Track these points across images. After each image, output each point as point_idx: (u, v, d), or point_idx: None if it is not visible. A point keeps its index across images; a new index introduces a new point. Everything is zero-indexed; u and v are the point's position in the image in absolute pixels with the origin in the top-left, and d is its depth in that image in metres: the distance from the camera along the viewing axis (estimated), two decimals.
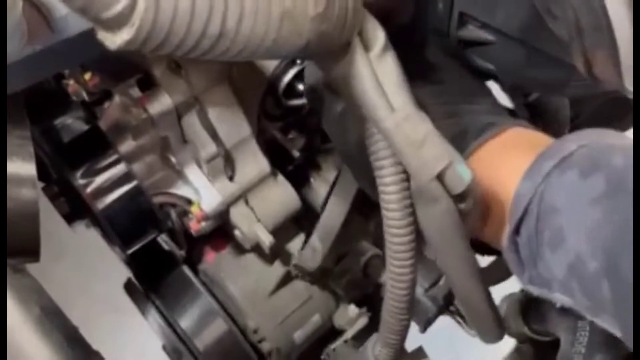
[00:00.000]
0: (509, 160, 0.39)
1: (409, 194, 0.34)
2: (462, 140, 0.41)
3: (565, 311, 0.43)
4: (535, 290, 0.37)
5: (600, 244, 0.31)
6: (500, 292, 0.58)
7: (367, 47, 0.33)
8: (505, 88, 0.56)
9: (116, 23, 0.23)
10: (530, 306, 0.49)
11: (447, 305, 0.54)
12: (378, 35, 0.33)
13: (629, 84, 0.30)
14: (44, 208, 0.56)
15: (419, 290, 0.53)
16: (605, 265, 0.31)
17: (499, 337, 0.41)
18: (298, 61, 0.60)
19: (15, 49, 0.36)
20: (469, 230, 0.38)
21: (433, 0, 0.52)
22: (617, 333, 0.32)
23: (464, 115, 0.43)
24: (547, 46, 0.46)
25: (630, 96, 0.32)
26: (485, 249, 0.43)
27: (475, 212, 0.37)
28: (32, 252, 0.45)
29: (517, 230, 0.35)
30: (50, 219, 0.69)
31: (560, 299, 0.35)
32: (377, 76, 0.33)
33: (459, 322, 0.60)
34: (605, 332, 0.37)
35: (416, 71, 0.46)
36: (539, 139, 0.40)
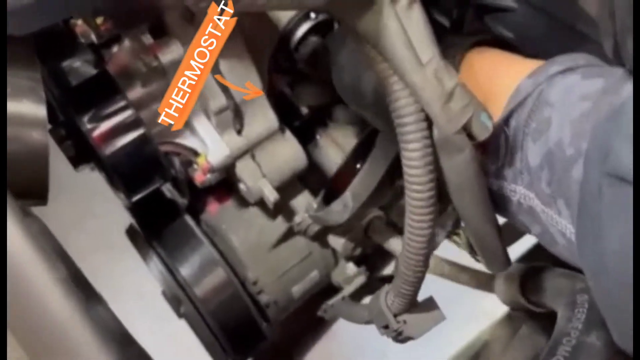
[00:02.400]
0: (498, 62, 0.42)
1: (431, 150, 0.34)
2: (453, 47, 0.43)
3: (563, 285, 0.43)
4: (495, 184, 0.39)
5: (581, 132, 0.33)
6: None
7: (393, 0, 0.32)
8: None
9: None
10: (528, 277, 0.49)
11: (454, 231, 0.55)
12: None
13: None
14: None
15: None
16: (583, 148, 0.32)
17: (505, 268, 0.43)
18: (312, 15, 0.58)
19: None
20: None
21: None
22: (565, 223, 0.34)
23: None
24: (566, 14, 0.46)
25: None
26: None
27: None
28: (41, 194, 0.45)
29: (506, 121, 0.38)
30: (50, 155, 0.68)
31: (519, 191, 0.38)
32: (405, 28, 0.32)
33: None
34: None
35: None
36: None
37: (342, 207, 0.56)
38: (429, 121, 0.35)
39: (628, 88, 0.33)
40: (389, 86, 0.34)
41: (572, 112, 0.34)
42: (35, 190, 0.45)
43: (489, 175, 0.39)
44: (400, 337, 0.46)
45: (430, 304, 0.47)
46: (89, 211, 1.41)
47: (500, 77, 0.42)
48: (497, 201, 0.40)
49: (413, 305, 0.45)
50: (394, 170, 0.55)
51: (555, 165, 0.34)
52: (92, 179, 0.66)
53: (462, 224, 0.53)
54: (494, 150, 0.39)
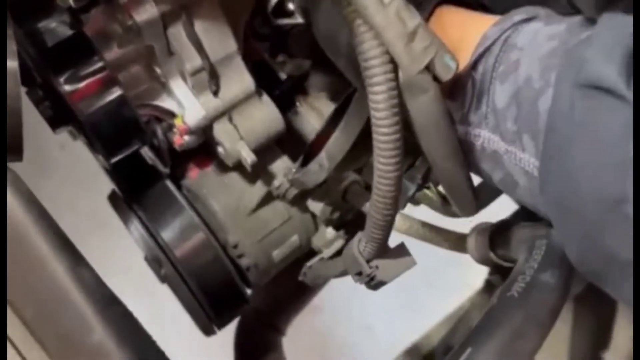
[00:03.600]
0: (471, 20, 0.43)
1: (396, 93, 0.35)
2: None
3: (526, 234, 0.45)
4: (461, 130, 0.41)
5: (549, 65, 0.34)
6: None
7: None
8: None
9: None
10: (496, 232, 0.51)
11: (424, 183, 0.56)
12: None
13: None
14: (33, 125, 0.56)
15: None
16: (551, 79, 0.33)
17: (475, 212, 0.45)
18: None
19: None
20: None
21: None
22: (530, 159, 0.35)
23: None
24: None
25: None
26: None
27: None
28: (15, 149, 0.46)
29: (474, 66, 0.39)
30: (39, 136, 0.69)
31: (483, 135, 0.39)
32: None
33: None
34: (559, 252, 0.39)
35: None
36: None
37: (318, 168, 0.57)
38: (394, 64, 0.36)
39: (591, 29, 0.34)
40: (355, 30, 0.35)
41: (540, 51, 0.36)
42: (11, 145, 0.46)
43: (454, 122, 0.40)
44: (372, 283, 0.47)
45: (401, 250, 0.48)
46: (81, 190, 1.43)
47: (467, 28, 0.43)
48: (461, 148, 0.41)
49: (384, 251, 0.46)
50: (369, 131, 0.56)
51: (523, 101, 0.35)
52: (83, 158, 0.67)
53: (432, 174, 0.54)
54: (461, 97, 0.40)
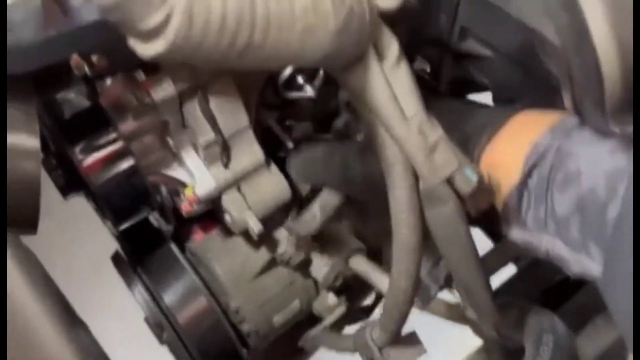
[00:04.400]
0: (529, 130, 0.42)
1: (416, 197, 0.36)
2: (472, 137, 0.44)
3: (532, 322, 0.46)
4: (521, 236, 0.40)
5: (616, 178, 0.34)
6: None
7: (381, 57, 0.35)
8: (497, 101, 0.59)
9: (150, 35, 0.25)
10: (501, 311, 0.52)
11: (447, 285, 0.56)
12: (392, 46, 0.35)
13: (613, 126, 0.33)
14: None
15: (422, 270, 0.56)
16: (619, 190, 0.33)
17: (495, 323, 0.44)
18: None
19: (30, 33, 0.37)
20: (472, 212, 0.40)
21: (436, 12, 0.53)
22: (597, 266, 0.35)
23: (467, 120, 0.46)
24: (542, 71, 0.49)
25: (614, 133, 0.35)
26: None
27: (481, 201, 0.40)
28: (30, 224, 0.46)
29: (529, 174, 0.38)
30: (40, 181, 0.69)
31: (546, 240, 0.38)
32: (391, 85, 0.35)
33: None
34: (567, 350, 0.40)
35: None
36: (546, 117, 0.43)
37: (311, 218, 0.59)
38: (415, 173, 0.37)
39: None
40: (378, 138, 0.37)
41: (604, 165, 0.35)
42: (26, 220, 0.46)
43: (511, 228, 0.40)
44: None
45: (412, 338, 0.49)
46: (77, 236, 1.41)
47: (519, 135, 0.42)
48: (524, 251, 0.41)
49: (397, 339, 0.47)
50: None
51: (588, 210, 0.35)
52: (80, 204, 0.67)
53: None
54: (517, 203, 0.39)
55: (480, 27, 0.52)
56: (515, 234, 0.40)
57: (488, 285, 0.42)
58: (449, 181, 0.36)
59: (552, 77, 0.47)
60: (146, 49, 0.25)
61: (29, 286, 0.47)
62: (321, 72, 0.63)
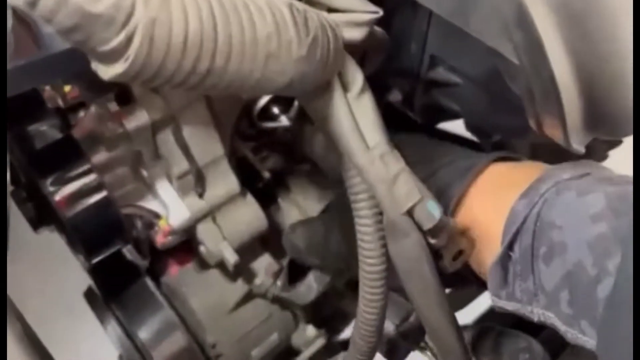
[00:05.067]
0: (497, 194, 0.41)
1: (382, 227, 0.36)
2: (448, 189, 0.43)
3: (508, 345, 0.45)
4: (510, 306, 0.39)
5: (603, 252, 0.32)
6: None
7: (345, 88, 0.35)
8: (470, 128, 0.59)
9: (111, 56, 0.25)
10: (478, 338, 0.51)
11: (417, 341, 0.55)
12: (357, 76, 0.36)
13: (575, 144, 0.33)
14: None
15: (390, 327, 0.55)
16: (608, 267, 0.32)
17: None
18: None
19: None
20: (449, 265, 0.40)
21: (407, 41, 0.54)
22: (591, 341, 0.34)
23: (442, 168, 0.45)
24: (509, 95, 0.50)
25: (576, 152, 0.35)
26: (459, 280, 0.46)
27: (452, 247, 0.39)
28: None
29: (510, 247, 0.37)
30: (11, 218, 0.68)
31: (537, 312, 0.37)
32: (354, 115, 0.35)
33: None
34: None
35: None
36: (521, 172, 0.41)
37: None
38: None
39: (628, 202, 0.33)
40: (344, 166, 0.37)
41: (586, 234, 0.34)
42: None
43: (501, 298, 0.39)
44: None
45: None
46: (49, 276, 1.39)
47: (498, 200, 0.41)
48: (519, 318, 0.39)
49: None
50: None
51: (577, 286, 0.34)
52: (52, 241, 0.66)
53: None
54: (501, 276, 0.38)
55: (449, 55, 0.53)
56: (504, 304, 0.39)
57: (454, 323, 0.41)
58: (411, 214, 0.36)
59: (519, 100, 0.48)
60: (107, 71, 0.25)
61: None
62: (296, 103, 0.63)
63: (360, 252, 0.37)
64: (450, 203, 0.42)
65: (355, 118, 0.35)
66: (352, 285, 0.70)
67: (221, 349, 0.67)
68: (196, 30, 0.25)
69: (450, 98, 0.56)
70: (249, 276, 0.66)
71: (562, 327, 0.36)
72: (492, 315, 0.84)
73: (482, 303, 0.76)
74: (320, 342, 0.70)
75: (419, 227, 0.36)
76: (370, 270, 0.37)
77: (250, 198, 0.63)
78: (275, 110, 0.63)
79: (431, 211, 0.36)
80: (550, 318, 0.36)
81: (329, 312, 0.73)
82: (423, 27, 0.51)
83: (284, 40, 0.29)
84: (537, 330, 0.60)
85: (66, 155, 0.54)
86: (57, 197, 0.53)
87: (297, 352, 0.72)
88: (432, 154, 0.47)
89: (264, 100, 0.62)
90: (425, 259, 0.37)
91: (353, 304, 0.65)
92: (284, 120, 0.63)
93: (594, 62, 0.29)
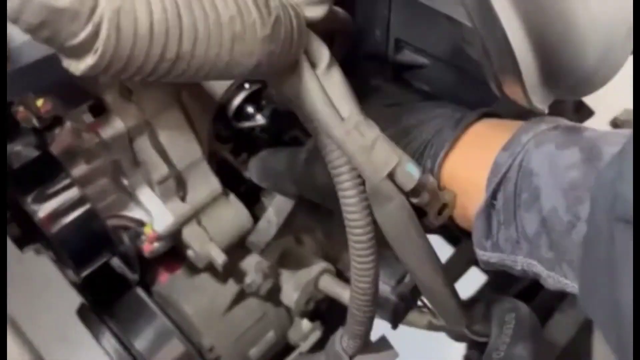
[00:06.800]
0: (486, 145, 0.42)
1: (365, 196, 0.37)
2: (439, 140, 0.43)
3: (495, 309, 0.46)
4: (494, 257, 0.39)
5: (575, 198, 0.34)
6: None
7: (313, 65, 0.36)
8: None
9: (80, 50, 0.25)
10: (470, 310, 0.52)
11: (414, 300, 0.56)
12: (323, 52, 0.37)
13: (536, 102, 0.34)
14: None
15: (386, 289, 0.56)
16: (580, 213, 0.33)
17: (463, 324, 0.44)
18: (247, 85, 0.62)
19: None
20: (434, 220, 0.41)
21: (371, 28, 0.56)
22: (572, 284, 0.35)
23: (430, 121, 0.46)
24: (474, 68, 0.51)
25: (539, 111, 0.37)
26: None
27: (434, 203, 0.40)
28: None
29: (494, 196, 0.38)
30: None
31: (520, 260, 0.38)
32: (325, 89, 0.36)
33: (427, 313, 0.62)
34: (529, 325, 0.41)
35: (370, 102, 0.49)
36: (504, 128, 0.42)
37: (267, 224, 0.59)
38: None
39: (606, 150, 0.35)
40: (321, 143, 0.37)
41: (561, 181, 0.35)
42: None
43: (486, 250, 0.40)
44: None
45: (383, 343, 0.49)
46: (41, 304, 1.38)
47: (482, 152, 0.41)
48: (502, 271, 0.40)
49: (367, 345, 0.47)
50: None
51: (553, 232, 0.35)
52: (42, 267, 0.66)
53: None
54: (486, 226, 0.39)
55: (413, 37, 0.54)
56: (489, 256, 0.40)
57: (449, 284, 0.42)
58: (391, 178, 0.37)
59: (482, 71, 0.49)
60: (78, 66, 0.26)
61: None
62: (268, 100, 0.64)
63: (347, 224, 0.38)
64: (441, 152, 0.42)
65: (326, 93, 0.36)
66: (341, 274, 0.71)
67: (219, 351, 0.67)
68: (161, 18, 0.26)
69: (420, 79, 0.58)
70: (239, 276, 0.67)
71: (544, 273, 0.37)
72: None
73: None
74: (316, 335, 0.71)
75: (401, 190, 0.37)
76: (359, 240, 0.37)
77: (233, 198, 0.63)
78: (250, 109, 0.64)
79: (410, 172, 0.37)
80: (533, 266, 0.37)
81: (323, 306, 0.73)
82: (385, 12, 0.53)
83: (247, 22, 0.30)
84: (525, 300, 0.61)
85: (46, 171, 0.54)
86: (41, 214, 0.54)
87: (294, 348, 0.72)
88: (422, 107, 0.48)
89: (237, 100, 0.62)
90: (411, 221, 0.38)
91: (344, 292, 0.66)
92: (259, 119, 0.64)
93: (543, 21, 0.31)
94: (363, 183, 0.38)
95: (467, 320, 0.46)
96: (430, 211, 0.41)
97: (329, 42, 0.42)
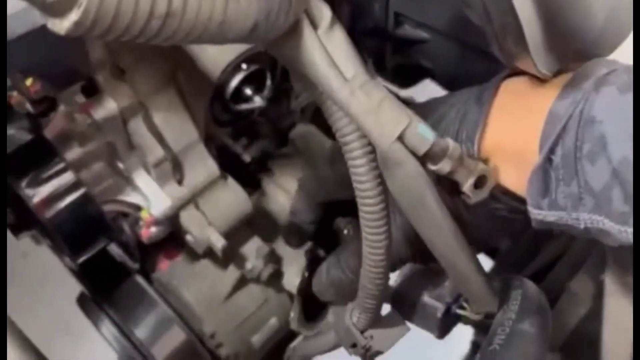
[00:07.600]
0: (524, 105, 0.38)
1: (376, 164, 0.34)
2: (467, 123, 0.40)
3: (501, 288, 0.44)
4: (551, 216, 0.36)
5: None
6: None
7: (314, 25, 0.34)
8: (444, 83, 0.59)
9: (63, 6, 0.24)
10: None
11: (455, 302, 0.50)
12: (324, 11, 0.34)
13: (541, 67, 0.33)
14: None
15: (423, 294, 0.51)
16: None
17: (495, 304, 0.41)
18: (244, 66, 0.61)
19: None
20: (471, 194, 0.37)
21: (369, 2, 0.54)
22: None
23: (449, 113, 0.42)
24: (477, 40, 0.49)
25: (544, 76, 0.35)
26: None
27: (464, 172, 0.36)
28: None
29: (552, 151, 0.35)
30: None
31: (583, 217, 0.34)
32: (328, 50, 0.34)
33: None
34: (536, 301, 0.39)
35: None
36: (536, 80, 0.38)
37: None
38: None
39: None
40: (328, 110, 0.35)
41: (627, 128, 0.32)
42: None
43: (542, 209, 0.37)
44: (369, 353, 0.46)
45: (394, 317, 0.47)
46: (43, 298, 1.38)
47: (530, 104, 0.38)
48: (560, 231, 0.37)
49: (378, 319, 0.45)
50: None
51: (627, 183, 0.32)
52: (42, 261, 0.65)
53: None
54: (542, 184, 0.36)
55: (412, 10, 0.53)
56: (545, 214, 0.36)
57: (474, 260, 0.38)
58: (402, 141, 0.34)
59: (486, 41, 0.47)
60: (62, 25, 0.25)
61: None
62: (269, 82, 0.63)
63: (357, 194, 0.36)
64: (476, 132, 0.39)
65: (329, 53, 0.34)
66: None
67: (220, 338, 0.66)
68: None
69: (421, 55, 0.56)
70: (240, 261, 0.66)
71: (614, 229, 0.33)
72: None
73: None
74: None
75: (414, 154, 0.34)
76: (370, 211, 0.35)
77: (232, 181, 0.62)
78: (248, 91, 0.62)
79: (423, 134, 0.33)
80: (599, 222, 0.34)
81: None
82: None
83: None
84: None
85: (39, 155, 0.53)
86: (35, 199, 0.52)
87: (298, 334, 0.71)
88: (433, 105, 0.44)
89: (235, 81, 0.61)
90: (426, 186, 0.35)
91: None
92: (258, 101, 0.62)
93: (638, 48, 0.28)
94: (374, 151, 0.35)
95: (496, 300, 0.42)
96: (463, 182, 0.36)
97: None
